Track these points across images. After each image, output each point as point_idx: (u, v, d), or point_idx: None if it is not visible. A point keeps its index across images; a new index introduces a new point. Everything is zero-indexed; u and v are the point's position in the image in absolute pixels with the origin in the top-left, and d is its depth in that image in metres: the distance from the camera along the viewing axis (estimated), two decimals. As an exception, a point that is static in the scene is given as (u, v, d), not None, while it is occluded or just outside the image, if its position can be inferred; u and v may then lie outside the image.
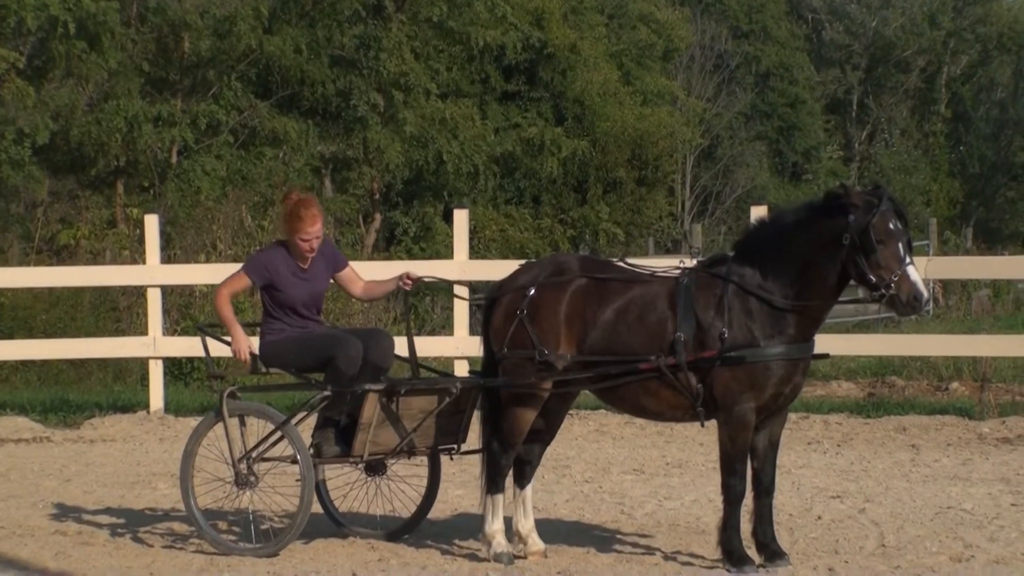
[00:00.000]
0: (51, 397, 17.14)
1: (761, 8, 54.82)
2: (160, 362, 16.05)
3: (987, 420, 14.45)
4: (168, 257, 20.74)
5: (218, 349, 9.77)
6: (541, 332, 8.60)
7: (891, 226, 8.08)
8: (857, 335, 20.38)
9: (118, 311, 20.96)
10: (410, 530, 9.51)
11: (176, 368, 18.16)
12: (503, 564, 8.69)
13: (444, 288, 13.12)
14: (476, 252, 30.90)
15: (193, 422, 14.06)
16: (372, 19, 34.90)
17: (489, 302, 8.94)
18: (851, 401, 15.90)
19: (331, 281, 9.46)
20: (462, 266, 15.09)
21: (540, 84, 40.56)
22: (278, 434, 9.09)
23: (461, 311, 15.32)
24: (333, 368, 8.99)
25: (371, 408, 8.86)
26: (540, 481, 10.71)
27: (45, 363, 18.98)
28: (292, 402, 13.27)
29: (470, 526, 9.48)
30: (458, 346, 15.11)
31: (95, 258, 23.84)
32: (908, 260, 8.09)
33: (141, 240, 18.10)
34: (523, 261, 9.59)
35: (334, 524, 9.68)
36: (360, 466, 9.37)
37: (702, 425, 8.64)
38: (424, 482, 9.57)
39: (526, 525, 8.91)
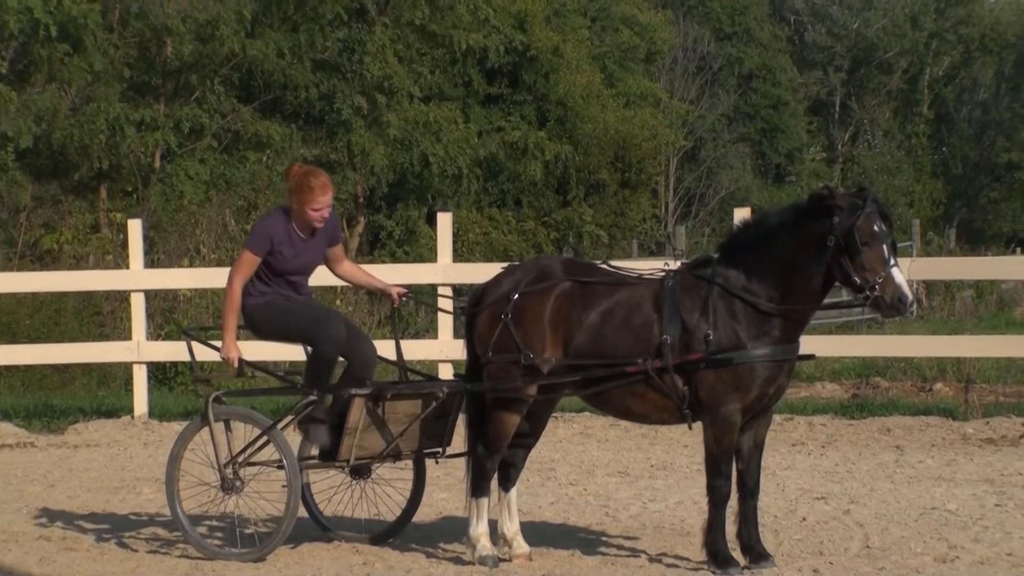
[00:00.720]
0: (35, 402, 17.09)
1: (744, 10, 54.82)
2: (144, 367, 16.00)
3: (971, 421, 14.44)
4: (151, 262, 20.68)
5: (203, 353, 9.74)
6: (526, 336, 8.58)
7: (876, 228, 8.08)
8: (841, 336, 20.43)
9: (101, 316, 20.91)
10: (395, 534, 9.49)
11: (160, 372, 18.12)
12: (488, 567, 8.68)
13: (429, 305, 13.03)
14: (460, 255, 30.88)
15: (177, 426, 14.05)
16: (355, 23, 34.87)
17: (473, 306, 8.94)
18: (835, 402, 15.90)
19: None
20: (446, 269, 15.07)
21: (523, 87, 40.52)
22: (264, 439, 9.06)
23: (445, 315, 15.30)
24: (316, 355, 8.91)
25: (357, 412, 8.83)
26: (525, 484, 10.71)
27: (29, 368, 18.93)
28: (278, 407, 13.24)
29: (455, 529, 9.46)
30: (442, 349, 15.08)
31: (78, 263, 23.80)
32: (893, 262, 8.09)
33: (124, 245, 18.04)
34: (507, 264, 9.57)
35: (319, 528, 9.66)
36: (346, 470, 9.35)
37: (689, 427, 8.62)
38: (409, 486, 9.55)
39: (511, 528, 8.90)
